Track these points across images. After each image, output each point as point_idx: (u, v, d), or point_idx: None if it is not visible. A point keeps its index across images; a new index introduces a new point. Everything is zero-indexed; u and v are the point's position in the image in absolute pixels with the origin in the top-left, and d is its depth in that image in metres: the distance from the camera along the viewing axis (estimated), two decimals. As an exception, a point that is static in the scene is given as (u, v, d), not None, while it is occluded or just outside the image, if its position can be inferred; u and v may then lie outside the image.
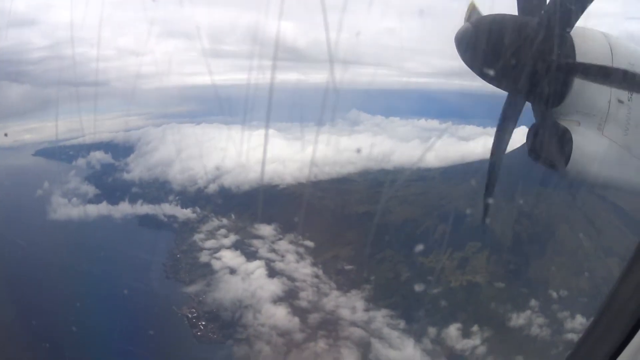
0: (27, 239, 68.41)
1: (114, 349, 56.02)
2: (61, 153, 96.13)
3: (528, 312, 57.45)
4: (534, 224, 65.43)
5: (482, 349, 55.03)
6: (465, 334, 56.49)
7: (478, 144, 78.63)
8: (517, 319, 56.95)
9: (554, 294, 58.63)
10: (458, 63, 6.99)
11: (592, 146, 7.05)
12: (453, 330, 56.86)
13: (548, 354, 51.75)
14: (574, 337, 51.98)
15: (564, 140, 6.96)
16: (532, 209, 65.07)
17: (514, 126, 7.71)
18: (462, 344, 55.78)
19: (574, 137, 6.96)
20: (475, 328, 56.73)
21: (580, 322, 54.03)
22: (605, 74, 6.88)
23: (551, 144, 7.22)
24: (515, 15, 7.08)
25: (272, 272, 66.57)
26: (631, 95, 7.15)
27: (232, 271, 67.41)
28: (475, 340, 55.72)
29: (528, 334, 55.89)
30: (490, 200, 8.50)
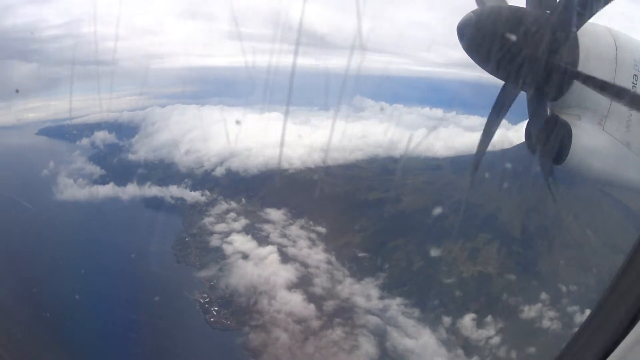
0: (30, 220, 66.73)
1: (126, 333, 55.58)
2: (64, 132, 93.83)
3: (539, 305, 58.67)
4: (542, 218, 66.52)
5: (495, 340, 56.16)
6: (480, 324, 57.57)
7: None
8: (529, 312, 58.16)
9: (564, 288, 59.90)
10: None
11: (591, 141, 7.07)
12: (467, 321, 57.89)
13: (559, 347, 52.96)
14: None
15: (564, 134, 7.04)
16: (539, 203, 66.17)
17: (504, 116, 7.90)
18: (477, 334, 56.84)
19: (574, 131, 7.02)
20: (489, 319, 57.84)
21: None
22: (604, 88, 6.86)
23: (550, 137, 7.28)
24: (518, 6, 7.10)
25: (285, 258, 66.40)
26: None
27: (245, 256, 67.00)
28: (489, 331, 56.81)
29: (540, 326, 57.20)
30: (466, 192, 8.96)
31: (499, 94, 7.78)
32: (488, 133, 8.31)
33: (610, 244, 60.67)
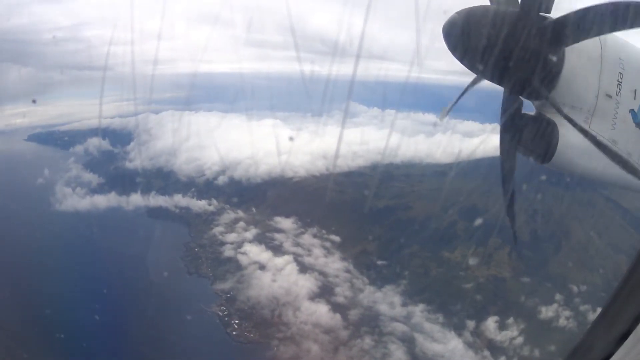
0: (33, 231, 62.91)
1: (148, 349, 53.54)
2: (56, 138, 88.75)
3: (555, 306, 60.84)
4: (549, 222, 68.85)
5: (519, 340, 57.74)
6: (502, 326, 59.03)
7: (482, 140, 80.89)
8: (547, 312, 60.17)
9: (575, 289, 62.34)
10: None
11: (578, 139, 7.06)
12: (490, 323, 59.26)
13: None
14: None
15: (550, 132, 7.11)
16: (545, 207, 68.44)
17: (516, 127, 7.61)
18: (501, 336, 58.29)
19: (560, 130, 7.10)
20: (510, 321, 59.45)
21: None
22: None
23: (537, 136, 7.32)
24: (502, 7, 7.12)
25: (303, 268, 65.65)
26: (619, 90, 7.27)
27: (261, 267, 65.69)
28: (512, 332, 58.35)
29: (557, 325, 59.26)
30: (512, 213, 8.76)
31: (502, 105, 7.58)
32: (505, 157, 7.88)
33: (612, 244, 63.96)
